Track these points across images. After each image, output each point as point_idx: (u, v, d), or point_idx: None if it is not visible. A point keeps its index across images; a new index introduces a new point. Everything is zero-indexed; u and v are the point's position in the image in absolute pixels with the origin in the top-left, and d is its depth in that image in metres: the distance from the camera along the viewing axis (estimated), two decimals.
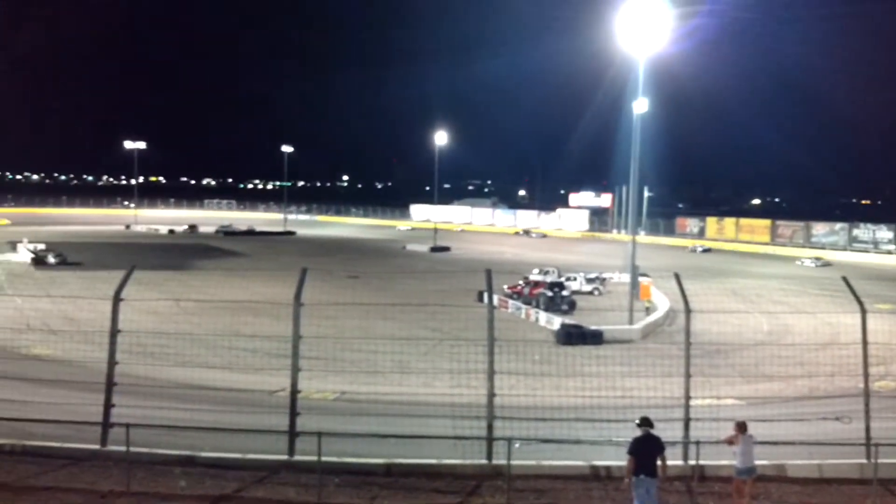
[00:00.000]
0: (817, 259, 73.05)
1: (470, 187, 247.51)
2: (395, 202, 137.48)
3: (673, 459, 11.44)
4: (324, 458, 11.51)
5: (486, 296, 13.36)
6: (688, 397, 12.61)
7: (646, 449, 10.22)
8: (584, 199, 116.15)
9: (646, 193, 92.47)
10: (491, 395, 12.39)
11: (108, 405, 12.78)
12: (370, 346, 24.72)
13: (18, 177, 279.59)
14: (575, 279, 49.07)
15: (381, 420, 15.72)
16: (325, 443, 11.52)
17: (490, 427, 12.34)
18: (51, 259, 55.32)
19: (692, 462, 12.01)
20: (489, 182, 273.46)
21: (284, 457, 12.45)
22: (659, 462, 10.24)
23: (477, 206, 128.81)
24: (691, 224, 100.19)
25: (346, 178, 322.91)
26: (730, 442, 11.11)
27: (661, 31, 37.46)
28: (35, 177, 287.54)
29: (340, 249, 77.62)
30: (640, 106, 40.50)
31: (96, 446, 12.81)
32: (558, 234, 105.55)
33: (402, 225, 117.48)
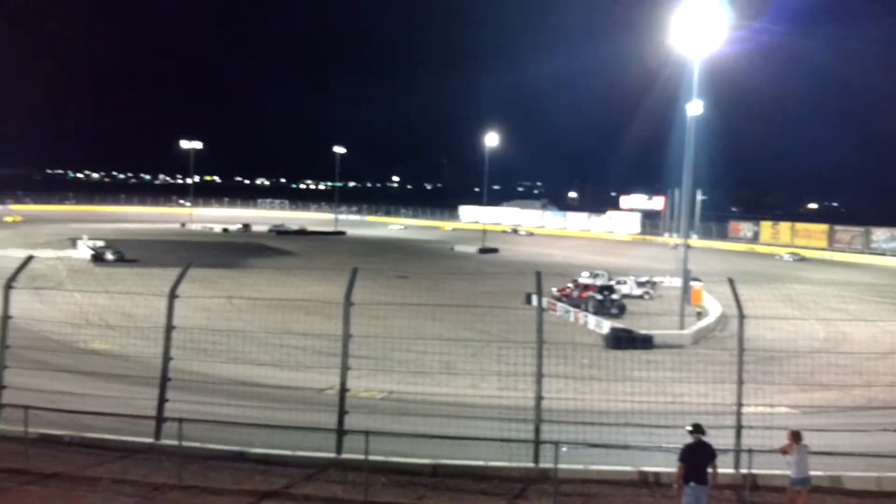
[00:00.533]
0: (794, 254, 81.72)
1: (520, 189, 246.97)
2: (445, 203, 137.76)
3: (724, 467, 11.23)
4: (371, 457, 11.57)
5: (534, 298, 13.29)
6: (740, 404, 12.37)
7: (697, 456, 10.05)
8: (635, 201, 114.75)
9: (699, 197, 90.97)
10: (539, 398, 12.33)
11: (162, 400, 13.07)
12: (418, 346, 24.76)
13: (79, 175, 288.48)
14: (625, 282, 48.56)
15: (428, 420, 15.72)
16: (372, 442, 11.59)
17: (537, 430, 12.28)
18: (109, 256, 56.68)
19: (744, 470, 11.77)
20: (539, 183, 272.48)
21: (332, 455, 12.56)
22: (710, 470, 10.06)
23: (526, 208, 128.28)
24: (745, 228, 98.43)
25: (396, 178, 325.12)
26: (784, 451, 10.85)
27: (716, 32, 36.87)
28: (95, 175, 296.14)
29: (390, 249, 78.07)
30: (695, 108, 39.89)
31: (150, 440, 13.11)
32: (609, 236, 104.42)
33: (393, 224, 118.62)
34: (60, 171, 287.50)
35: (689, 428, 10.34)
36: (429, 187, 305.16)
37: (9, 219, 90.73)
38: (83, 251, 59.58)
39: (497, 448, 12.63)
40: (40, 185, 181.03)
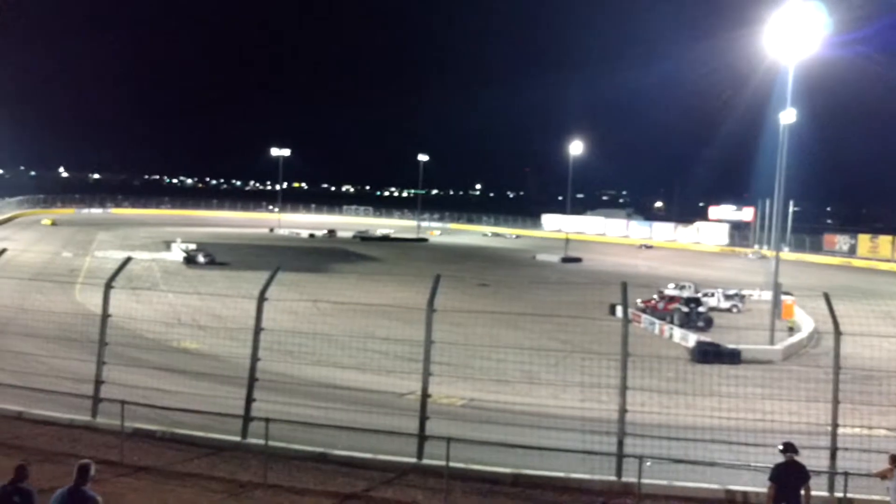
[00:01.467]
0: (756, 253, 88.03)
1: (604, 198, 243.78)
2: (527, 211, 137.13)
3: (818, 490, 10.77)
4: (451, 464, 11.56)
5: (619, 309, 13.07)
6: (835, 424, 11.84)
7: (789, 477, 9.65)
8: (723, 212, 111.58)
9: (791, 208, 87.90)
10: (622, 410, 12.11)
11: (249, 399, 13.41)
12: (498, 354, 24.71)
13: (174, 181, 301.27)
14: (712, 295, 47.26)
15: (509, 429, 15.65)
16: (452, 448, 11.59)
17: (620, 443, 12.06)
18: (201, 258, 58.41)
19: (839, 494, 11.27)
20: (624, 193, 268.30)
21: (413, 459, 12.62)
22: (802, 492, 9.65)
23: (611, 217, 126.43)
24: (840, 241, 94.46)
25: (478, 186, 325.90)
26: (883, 476, 10.32)
27: (813, 37, 35.60)
28: (189, 181, 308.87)
29: (471, 257, 78.15)
30: (788, 116, 38.57)
31: (237, 438, 13.46)
32: (696, 247, 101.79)
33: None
34: (157, 177, 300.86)
35: (781, 447, 9.94)
36: (511, 195, 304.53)
37: (46, 222, 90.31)
38: (176, 254, 61.68)
39: (579, 460, 12.47)
40: (138, 189, 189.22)
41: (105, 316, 14.49)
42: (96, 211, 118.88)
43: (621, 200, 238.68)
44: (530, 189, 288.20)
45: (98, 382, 14.38)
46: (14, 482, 8.02)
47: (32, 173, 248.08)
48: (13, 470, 8.10)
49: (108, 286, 14.50)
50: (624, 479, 11.92)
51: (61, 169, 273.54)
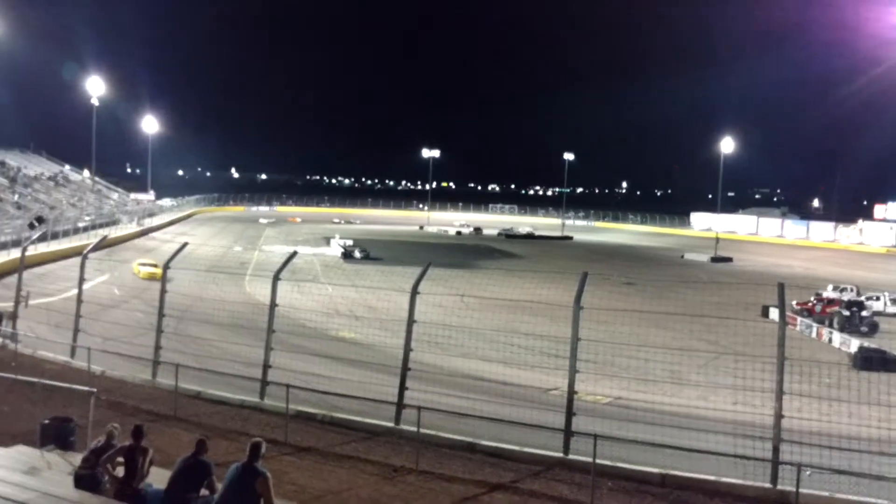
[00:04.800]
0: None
1: (757, 196, 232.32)
2: (675, 210, 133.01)
3: None
4: (598, 461, 11.65)
5: (773, 311, 12.71)
6: None
7: None
8: (891, 210, 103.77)
9: None
10: (779, 416, 11.75)
11: (402, 387, 14.07)
12: (644, 353, 24.35)
13: (333, 181, 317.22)
14: (878, 299, 44.22)
15: (655, 429, 15.47)
16: (598, 446, 11.64)
17: (776, 449, 11.70)
18: (357, 254, 60.95)
19: None
20: (778, 191, 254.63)
21: (559, 454, 12.80)
22: None
23: (764, 216, 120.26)
24: None
25: (624, 184, 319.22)
26: None
27: None
28: (347, 181, 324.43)
29: (616, 255, 76.76)
30: None
31: (391, 424, 14.14)
32: (859, 248, 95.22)
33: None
34: (318, 178, 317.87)
35: None
36: (658, 193, 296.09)
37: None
38: (335, 249, 64.67)
39: (729, 464, 12.21)
40: (300, 189, 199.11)
41: (273, 305, 15.59)
42: (263, 208, 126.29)
43: (775, 199, 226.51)
44: (678, 187, 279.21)
45: (266, 367, 15.52)
46: (195, 455, 8.93)
47: (208, 174, 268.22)
48: (194, 443, 9.01)
49: (276, 278, 15.61)
50: (780, 486, 11.56)
51: (233, 170, 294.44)
